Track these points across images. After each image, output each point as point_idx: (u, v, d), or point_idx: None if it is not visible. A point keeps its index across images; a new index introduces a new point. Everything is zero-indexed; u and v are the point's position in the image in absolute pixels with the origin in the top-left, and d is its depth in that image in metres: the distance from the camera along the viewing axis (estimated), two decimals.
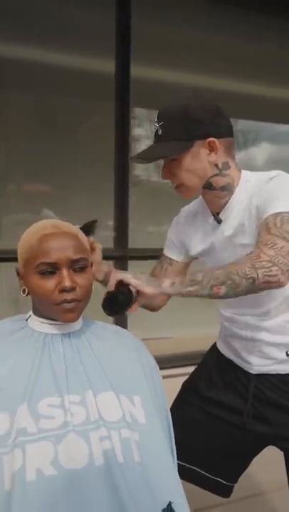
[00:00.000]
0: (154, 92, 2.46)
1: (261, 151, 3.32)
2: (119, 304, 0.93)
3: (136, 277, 0.93)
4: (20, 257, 0.91)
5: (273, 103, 3.26)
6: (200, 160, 1.09)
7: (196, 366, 1.40)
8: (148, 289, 0.92)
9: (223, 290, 0.90)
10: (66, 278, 0.85)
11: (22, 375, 0.83)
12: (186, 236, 1.27)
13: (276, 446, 1.23)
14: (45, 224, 0.91)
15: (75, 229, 0.93)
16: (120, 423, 0.82)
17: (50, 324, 0.91)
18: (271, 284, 0.91)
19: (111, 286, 0.94)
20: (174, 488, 0.82)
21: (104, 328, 1.01)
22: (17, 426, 0.77)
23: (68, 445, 0.76)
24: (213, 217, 1.19)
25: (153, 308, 1.32)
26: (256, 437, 1.23)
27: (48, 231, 0.88)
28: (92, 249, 1.11)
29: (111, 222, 2.49)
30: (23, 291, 0.91)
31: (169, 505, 0.77)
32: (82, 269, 0.89)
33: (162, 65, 2.53)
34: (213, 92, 2.74)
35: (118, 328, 1.04)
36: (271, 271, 0.89)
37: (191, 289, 0.91)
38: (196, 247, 1.24)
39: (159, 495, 0.78)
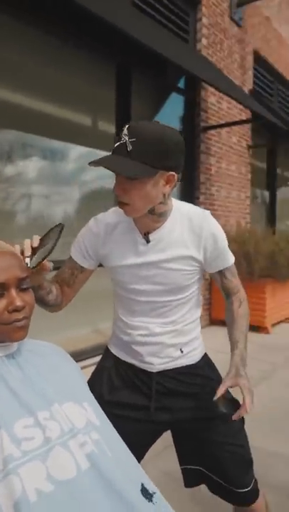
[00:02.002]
0: None
1: (33, 165, 3.45)
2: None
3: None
4: None
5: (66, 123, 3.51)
6: (157, 188, 1.14)
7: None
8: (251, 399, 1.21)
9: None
10: (17, 298, 0.85)
11: None
12: (104, 248, 1.29)
13: (172, 429, 1.40)
14: None
15: (12, 247, 0.92)
16: (87, 427, 0.87)
17: None
18: None
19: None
20: (139, 470, 0.92)
21: (34, 343, 1.01)
22: (2, 454, 0.74)
23: (55, 459, 0.78)
24: (141, 236, 1.25)
25: (54, 308, 1.30)
26: (158, 426, 1.36)
27: None
28: (45, 269, 1.08)
29: None
30: None
31: (142, 485, 0.87)
32: (28, 288, 0.89)
33: None
34: None
35: (42, 341, 1.05)
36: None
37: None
38: (117, 261, 1.27)
39: (133, 479, 0.87)
